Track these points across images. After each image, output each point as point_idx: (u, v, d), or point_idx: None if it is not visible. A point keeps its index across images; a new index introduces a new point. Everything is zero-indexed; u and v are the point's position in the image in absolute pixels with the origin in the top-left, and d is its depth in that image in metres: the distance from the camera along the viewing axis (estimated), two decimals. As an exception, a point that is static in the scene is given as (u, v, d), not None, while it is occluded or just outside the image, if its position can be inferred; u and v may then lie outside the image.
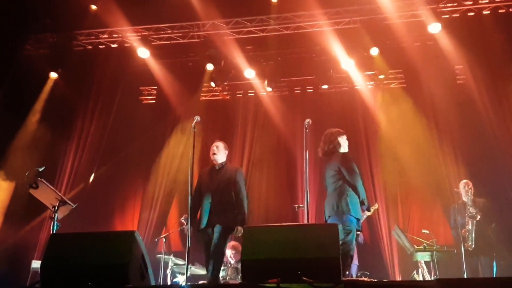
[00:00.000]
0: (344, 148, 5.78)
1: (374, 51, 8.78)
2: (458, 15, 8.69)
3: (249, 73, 9.57)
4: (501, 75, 8.59)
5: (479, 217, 6.82)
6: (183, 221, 8.22)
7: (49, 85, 9.49)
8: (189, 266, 7.15)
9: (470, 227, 6.88)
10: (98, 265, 3.64)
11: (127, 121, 9.86)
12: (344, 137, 5.84)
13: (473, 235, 6.84)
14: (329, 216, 5.48)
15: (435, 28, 8.43)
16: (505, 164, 8.25)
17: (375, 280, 6.07)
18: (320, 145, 5.86)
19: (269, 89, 9.86)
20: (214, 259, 5.60)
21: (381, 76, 9.29)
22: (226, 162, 6.11)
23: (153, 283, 4.30)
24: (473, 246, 6.81)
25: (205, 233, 5.80)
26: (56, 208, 5.47)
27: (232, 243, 7.64)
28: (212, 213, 5.80)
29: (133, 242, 3.79)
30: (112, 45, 9.73)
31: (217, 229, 5.71)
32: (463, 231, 6.91)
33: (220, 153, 6.04)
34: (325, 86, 9.79)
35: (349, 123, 9.55)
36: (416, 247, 7.23)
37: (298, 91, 10.23)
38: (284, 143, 9.91)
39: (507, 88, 8.56)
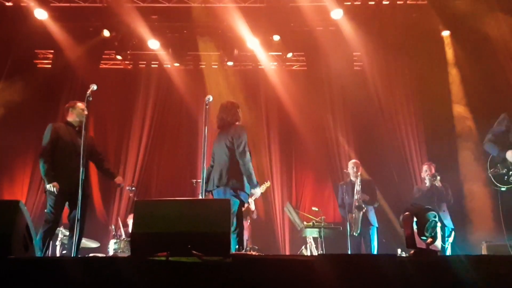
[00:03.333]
0: (240, 121, 5.71)
1: (276, 37, 9.04)
2: (359, 3, 8.99)
3: (153, 43, 9.34)
4: (394, 64, 9.18)
5: (365, 208, 7.30)
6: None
7: None
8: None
9: (356, 216, 7.33)
10: (-23, 236, 3.43)
11: (20, 85, 9.25)
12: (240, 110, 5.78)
13: (359, 224, 7.31)
14: (217, 186, 5.35)
15: (337, 14, 8.72)
16: (391, 146, 8.93)
17: (263, 254, 6.29)
18: (219, 115, 5.65)
19: (177, 64, 9.72)
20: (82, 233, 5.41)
21: (289, 55, 9.47)
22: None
23: (39, 254, 4.16)
24: (359, 232, 7.30)
25: (65, 196, 5.42)
26: None
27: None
28: (76, 175, 5.32)
29: (16, 212, 3.61)
30: (7, 3, 8.99)
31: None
32: (349, 216, 7.36)
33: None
34: (230, 63, 9.82)
35: (251, 101, 9.74)
36: (305, 223, 7.57)
37: (203, 66, 10.16)
38: (186, 118, 9.87)
39: (398, 76, 9.17)
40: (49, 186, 5.35)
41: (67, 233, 7.20)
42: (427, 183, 7.51)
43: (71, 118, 5.75)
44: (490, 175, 5.43)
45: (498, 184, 5.31)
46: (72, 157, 5.47)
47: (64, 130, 5.65)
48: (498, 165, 5.34)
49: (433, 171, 7.51)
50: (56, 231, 7.11)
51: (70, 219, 5.49)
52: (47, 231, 5.28)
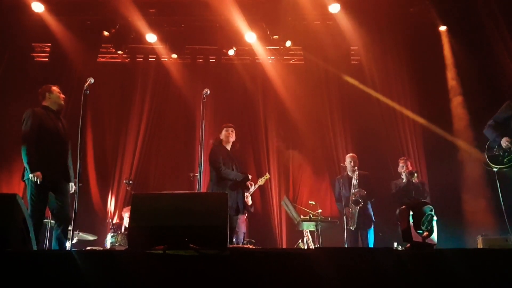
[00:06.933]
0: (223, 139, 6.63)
1: (275, 37, 9.15)
2: (357, -3, 8.98)
3: (151, 37, 9.33)
4: (391, 58, 9.17)
5: (362, 203, 7.32)
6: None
7: None
8: (77, 231, 6.98)
9: (353, 210, 7.36)
10: (-25, 229, 3.43)
11: (17, 78, 9.24)
12: (230, 129, 6.63)
13: (356, 218, 7.34)
14: None
15: (334, 8, 8.71)
16: (388, 140, 8.94)
17: (260, 247, 6.31)
18: None
19: (174, 55, 9.71)
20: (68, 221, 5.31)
21: (288, 43, 9.39)
22: None
23: (35, 247, 4.15)
24: (355, 226, 7.33)
25: (49, 185, 5.24)
26: None
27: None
28: (64, 165, 5.40)
29: (14, 205, 3.62)
30: (3, -4, 8.98)
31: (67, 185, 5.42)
32: (346, 210, 7.38)
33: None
34: (231, 52, 9.72)
35: (248, 95, 9.75)
36: (302, 217, 7.59)
37: (201, 60, 10.15)
38: (184, 111, 9.84)
39: (396, 71, 9.18)
40: (32, 176, 5.09)
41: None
42: (404, 179, 7.52)
43: (49, 102, 5.58)
44: (485, 155, 5.65)
45: (492, 164, 5.52)
46: (55, 143, 5.35)
47: (45, 115, 5.44)
48: (495, 148, 5.53)
49: (409, 167, 7.53)
50: (53, 224, 7.11)
51: (55, 209, 5.33)
52: (35, 226, 4.77)
